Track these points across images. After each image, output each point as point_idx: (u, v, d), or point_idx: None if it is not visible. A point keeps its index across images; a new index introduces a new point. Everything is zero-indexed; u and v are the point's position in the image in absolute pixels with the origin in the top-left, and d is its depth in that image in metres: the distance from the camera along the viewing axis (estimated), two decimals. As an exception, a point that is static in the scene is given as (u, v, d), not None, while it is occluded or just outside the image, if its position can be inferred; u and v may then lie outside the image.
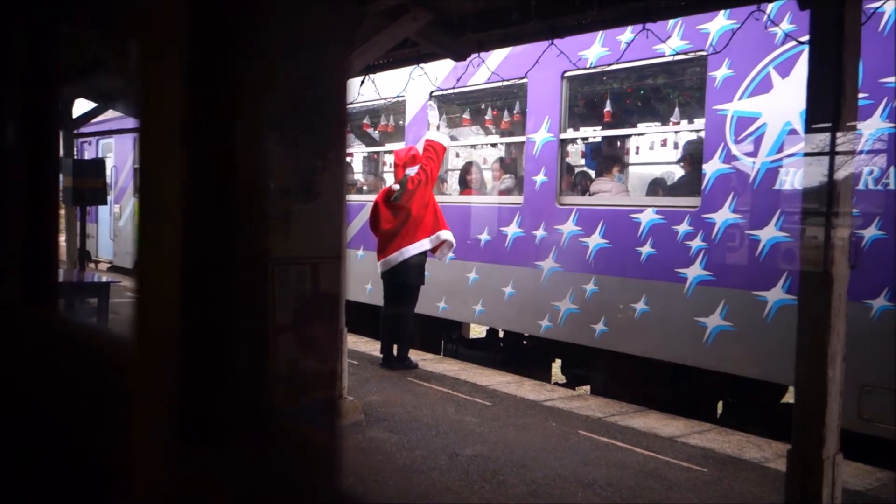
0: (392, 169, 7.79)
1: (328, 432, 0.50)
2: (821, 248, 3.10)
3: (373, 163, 11.32)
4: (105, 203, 10.88)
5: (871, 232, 5.10)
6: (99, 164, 10.13)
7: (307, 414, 0.49)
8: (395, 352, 7.42)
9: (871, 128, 5.05)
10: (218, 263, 0.47)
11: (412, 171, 7.16)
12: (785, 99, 5.66)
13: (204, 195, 0.48)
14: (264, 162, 0.52)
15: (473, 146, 10.27)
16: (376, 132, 10.56)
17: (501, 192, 8.39)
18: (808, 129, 3.26)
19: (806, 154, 3.27)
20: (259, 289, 0.49)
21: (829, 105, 3.11)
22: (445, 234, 7.26)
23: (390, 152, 10.88)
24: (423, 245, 7.20)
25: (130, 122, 8.15)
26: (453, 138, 9.79)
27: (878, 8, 4.80)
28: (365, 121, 10.61)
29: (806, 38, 5.05)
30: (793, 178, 5.58)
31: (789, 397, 6.81)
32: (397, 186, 7.20)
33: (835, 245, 3.11)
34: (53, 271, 0.88)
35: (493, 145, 9.67)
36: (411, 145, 8.16)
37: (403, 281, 7.25)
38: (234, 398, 0.48)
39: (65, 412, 0.79)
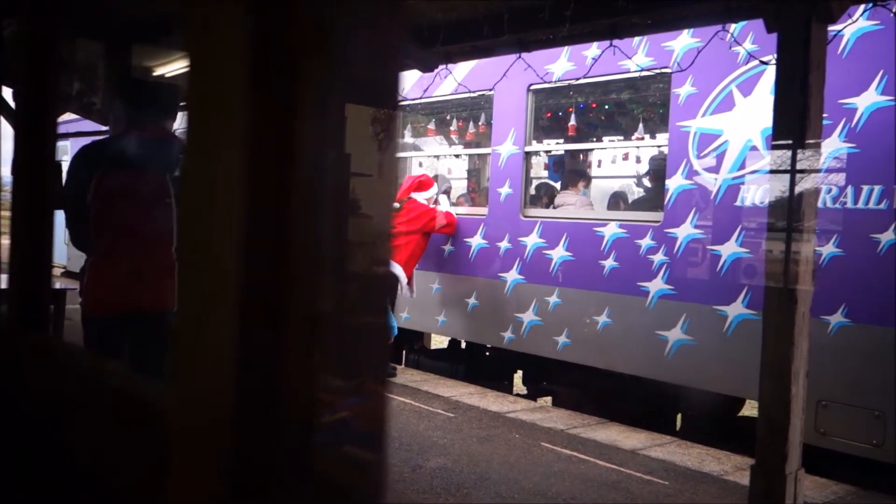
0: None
1: (375, 476, 0.47)
2: (786, 265, 3.15)
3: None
4: (62, 207, 10.63)
5: (828, 249, 5.21)
6: (56, 167, 9.91)
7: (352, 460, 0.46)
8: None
9: (831, 147, 5.16)
10: (283, 288, 0.44)
11: (419, 196, 7.31)
12: (747, 117, 5.77)
13: (265, 215, 0.45)
14: (332, 173, 0.49)
15: (437, 157, 10.28)
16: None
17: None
18: (774, 148, 3.32)
19: (772, 171, 3.33)
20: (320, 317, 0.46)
21: (795, 124, 3.17)
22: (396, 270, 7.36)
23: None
24: (395, 268, 7.29)
25: (87, 125, 7.97)
26: (417, 148, 9.81)
27: (837, 31, 4.92)
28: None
29: (768, 57, 5.18)
30: (754, 194, 5.68)
31: (746, 410, 6.93)
32: (397, 205, 7.31)
33: (799, 263, 3.16)
34: (46, 290, 0.83)
35: (457, 156, 9.69)
36: (424, 174, 8.30)
37: None
38: (290, 443, 0.44)
39: (80, 455, 0.74)
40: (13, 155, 0.86)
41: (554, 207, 7.43)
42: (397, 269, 7.33)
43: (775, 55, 5.16)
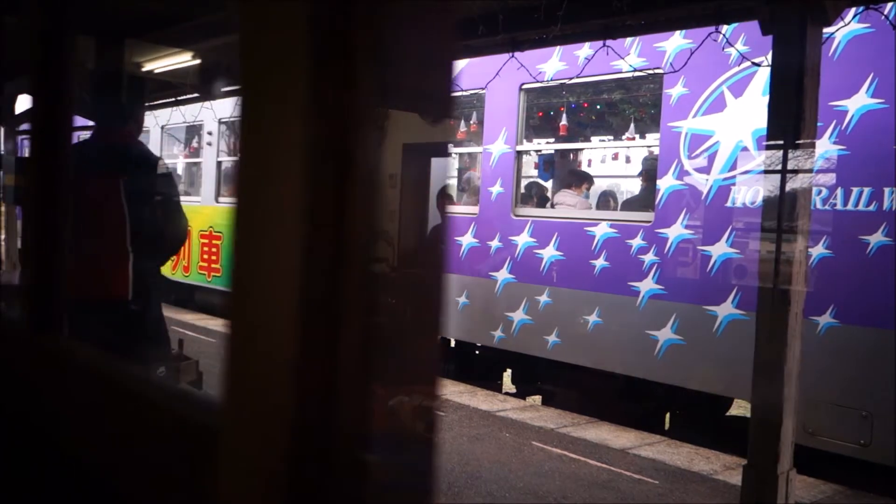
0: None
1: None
2: (779, 266, 3.17)
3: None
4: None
5: (818, 250, 5.24)
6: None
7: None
8: None
9: (821, 149, 5.19)
10: (342, 293, 0.43)
11: None
12: (738, 118, 5.79)
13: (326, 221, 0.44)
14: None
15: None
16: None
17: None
18: (769, 149, 3.34)
19: (766, 172, 3.34)
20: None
21: (790, 126, 3.18)
22: None
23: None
24: None
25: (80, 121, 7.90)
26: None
27: (829, 34, 4.95)
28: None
29: (760, 59, 5.20)
30: (744, 195, 5.71)
31: (734, 410, 6.96)
32: None
33: (793, 264, 3.18)
34: (60, 291, 0.81)
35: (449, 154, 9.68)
36: None
37: None
38: (348, 464, 0.43)
39: (100, 465, 0.72)
40: (25, 154, 0.85)
41: (552, 206, 7.43)
42: None
43: (767, 57, 5.21)
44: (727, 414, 6.77)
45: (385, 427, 0.43)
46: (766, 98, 5.60)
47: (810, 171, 3.22)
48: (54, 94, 0.84)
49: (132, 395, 0.66)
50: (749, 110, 5.70)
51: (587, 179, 7.68)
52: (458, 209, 8.15)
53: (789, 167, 3.16)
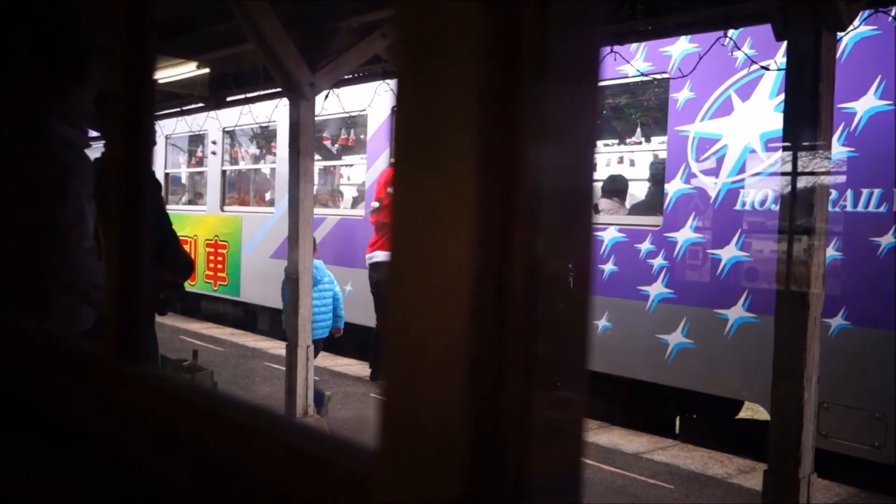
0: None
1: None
2: (795, 270, 3.17)
3: (329, 175, 11.25)
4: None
5: (829, 252, 5.24)
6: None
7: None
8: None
9: (831, 151, 5.20)
10: (510, 299, 0.41)
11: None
12: (745, 121, 5.81)
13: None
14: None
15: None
16: (335, 146, 10.51)
17: None
18: (784, 150, 3.35)
19: (783, 175, 3.35)
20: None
21: (805, 130, 3.19)
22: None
23: (349, 165, 10.85)
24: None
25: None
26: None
27: (837, 38, 4.96)
28: (325, 134, 10.55)
29: (767, 62, 5.22)
30: (753, 198, 5.72)
31: (744, 413, 6.96)
32: (376, 204, 7.37)
33: (811, 267, 3.19)
34: (142, 316, 0.80)
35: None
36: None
37: (382, 290, 7.32)
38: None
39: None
40: (105, 166, 0.82)
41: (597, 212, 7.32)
42: None
43: (774, 60, 5.23)
44: (737, 417, 6.77)
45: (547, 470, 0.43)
46: (774, 101, 5.65)
47: (826, 174, 3.23)
48: (137, 97, 0.82)
49: (245, 429, 0.66)
50: (757, 113, 5.72)
51: (626, 192, 7.52)
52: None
53: (806, 170, 3.17)
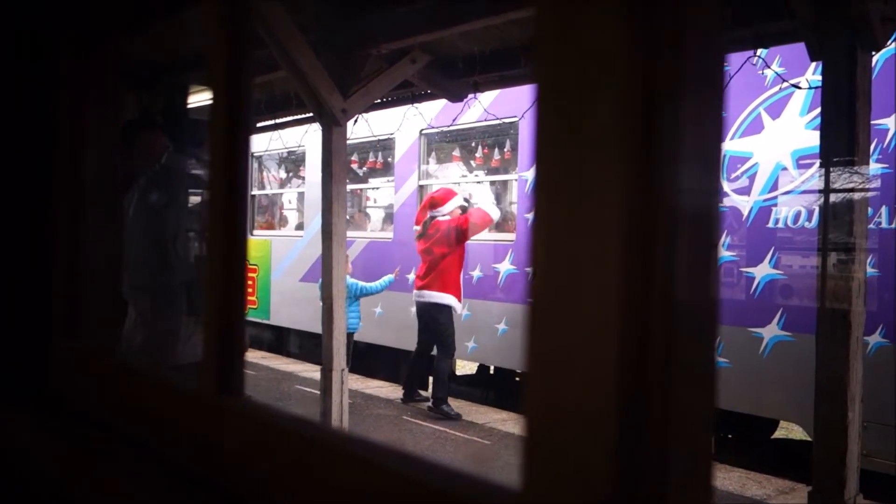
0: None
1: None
2: (837, 288, 3.16)
3: (356, 198, 11.32)
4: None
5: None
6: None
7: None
8: (429, 394, 7.37)
9: (864, 168, 5.18)
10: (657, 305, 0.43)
11: (438, 213, 7.19)
12: (776, 139, 5.80)
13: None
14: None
15: (457, 183, 10.32)
16: (363, 168, 10.58)
17: None
18: (822, 167, 3.35)
19: (821, 192, 3.35)
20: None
21: (842, 148, 3.20)
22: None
23: (375, 188, 10.92)
24: (445, 299, 7.21)
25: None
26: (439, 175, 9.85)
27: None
28: (353, 157, 10.64)
29: (796, 80, 5.22)
30: (786, 215, 5.70)
31: (779, 432, 6.87)
32: (418, 228, 7.29)
33: (852, 285, 3.17)
34: (242, 350, 0.81)
35: (480, 182, 9.73)
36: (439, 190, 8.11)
37: (427, 321, 7.31)
38: None
39: None
40: (204, 181, 0.83)
41: None
42: (449, 299, 7.26)
43: (805, 78, 5.23)
44: (773, 437, 6.70)
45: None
46: (805, 119, 5.64)
47: (864, 190, 3.22)
48: (237, 108, 0.84)
49: (361, 462, 0.67)
50: (787, 131, 5.71)
51: None
52: (498, 236, 8.18)
53: (844, 187, 3.17)
